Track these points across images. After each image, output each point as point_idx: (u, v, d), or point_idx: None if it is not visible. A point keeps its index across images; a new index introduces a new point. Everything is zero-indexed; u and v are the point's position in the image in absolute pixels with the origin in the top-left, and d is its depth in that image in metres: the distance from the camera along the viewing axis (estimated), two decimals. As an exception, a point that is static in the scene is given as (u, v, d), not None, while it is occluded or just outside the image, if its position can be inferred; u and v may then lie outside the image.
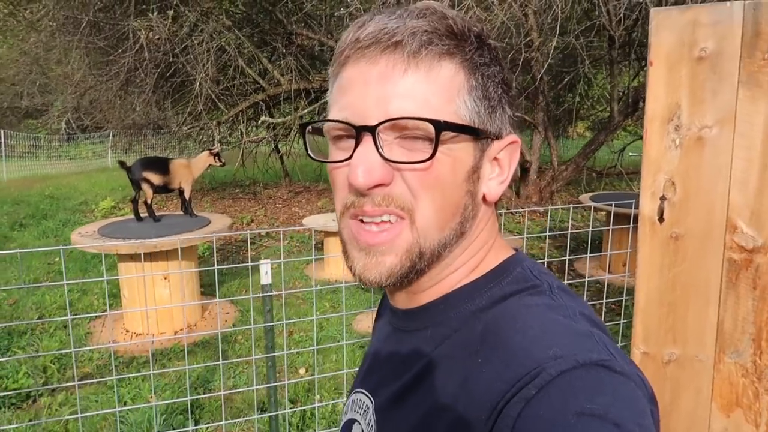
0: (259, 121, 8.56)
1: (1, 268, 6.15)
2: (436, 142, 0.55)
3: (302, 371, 3.83)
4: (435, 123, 0.55)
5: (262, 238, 7.67)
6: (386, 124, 0.55)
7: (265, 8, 8.62)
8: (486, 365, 0.53)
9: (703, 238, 1.53)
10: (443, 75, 0.57)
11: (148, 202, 4.71)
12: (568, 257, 3.03)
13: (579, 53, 7.15)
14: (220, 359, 2.55)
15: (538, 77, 8.19)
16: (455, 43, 0.58)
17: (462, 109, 0.58)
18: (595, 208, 6.64)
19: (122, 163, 4.72)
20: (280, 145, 11.13)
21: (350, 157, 0.57)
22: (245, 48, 7.89)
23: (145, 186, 4.65)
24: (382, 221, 0.58)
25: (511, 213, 8.52)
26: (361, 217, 0.59)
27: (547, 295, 0.59)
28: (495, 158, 0.63)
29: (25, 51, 8.71)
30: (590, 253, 6.17)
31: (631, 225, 2.43)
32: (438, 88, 0.57)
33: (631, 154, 11.16)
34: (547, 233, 3.17)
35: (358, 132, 0.56)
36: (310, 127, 0.66)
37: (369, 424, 0.67)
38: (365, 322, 4.61)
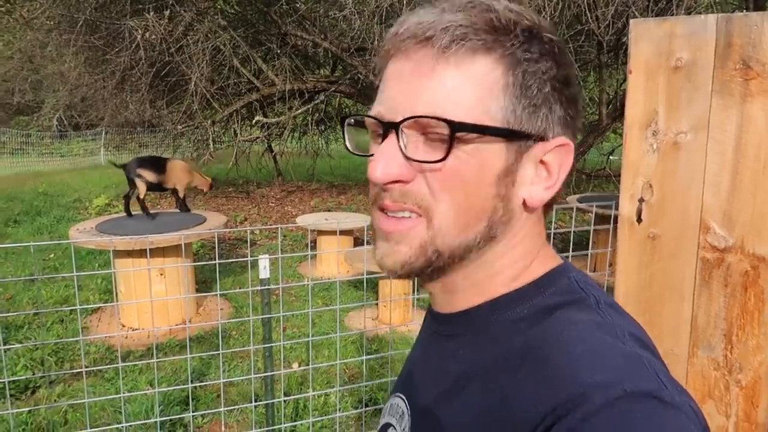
0: (253, 121, 8.62)
1: (-4, 264, 6.19)
2: (450, 143, 0.53)
3: (295, 366, 3.91)
4: (449, 123, 0.53)
5: (256, 236, 7.74)
6: (410, 122, 0.55)
7: (260, 9, 8.68)
8: (526, 383, 0.51)
9: (679, 238, 1.61)
10: (475, 71, 0.54)
11: (141, 197, 4.78)
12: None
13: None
14: (221, 348, 2.62)
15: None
16: (494, 37, 0.55)
17: (493, 107, 0.54)
18: (581, 209, 6.76)
19: (115, 164, 4.83)
20: (273, 145, 11.19)
21: None
22: (240, 48, 7.95)
23: (139, 182, 4.74)
24: (403, 216, 0.58)
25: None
26: (385, 210, 0.59)
27: (595, 311, 0.55)
28: (541, 161, 0.58)
29: (20, 49, 8.71)
30: (573, 252, 6.28)
31: (611, 225, 2.52)
32: (468, 84, 0.54)
33: (612, 157, 11.36)
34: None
35: (386, 128, 0.56)
36: (351, 119, 0.65)
37: (404, 429, 0.66)
38: (356, 319, 4.70)
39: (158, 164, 4.91)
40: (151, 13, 6.50)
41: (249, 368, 3.76)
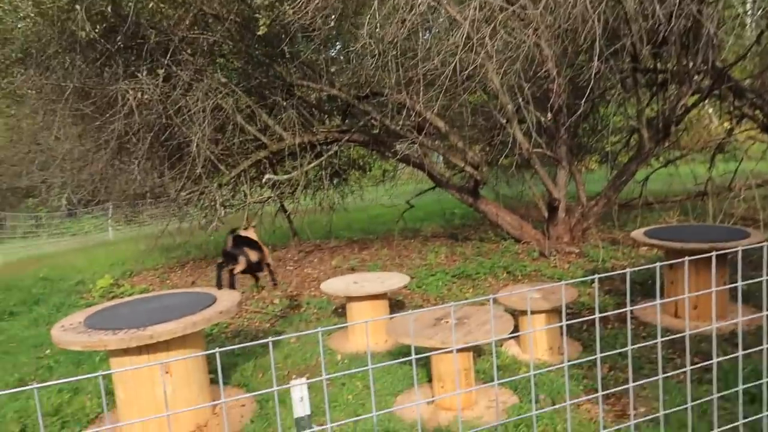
0: (263, 180, 7.97)
1: (-17, 368, 5.41)
2: None
3: (342, 483, 3.05)
4: None
5: (276, 306, 6.94)
6: None
7: (261, 62, 8.17)
8: None
9: None
10: None
11: (236, 272, 4.74)
12: (629, 305, 2.31)
13: (592, 82, 6.55)
14: None
15: (556, 108, 7.65)
16: None
17: None
18: (647, 244, 5.92)
19: (233, 231, 5.06)
20: (286, 204, 10.52)
21: None
22: (243, 104, 7.37)
23: (242, 259, 4.80)
24: None
25: (545, 256, 7.82)
26: None
27: None
28: None
29: (12, 127, 8.24)
30: (654, 295, 5.41)
31: (684, 260, 1.75)
32: None
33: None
34: (595, 277, 2.46)
35: None
36: None
37: None
38: (408, 404, 3.83)
39: (254, 243, 5.03)
40: (144, 74, 5.93)
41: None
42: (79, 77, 6.09)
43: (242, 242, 4.98)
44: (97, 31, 5.24)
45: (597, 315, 1.39)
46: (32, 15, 4.93)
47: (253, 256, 4.91)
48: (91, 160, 7.58)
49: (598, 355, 1.36)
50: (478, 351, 4.69)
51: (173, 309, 3.86)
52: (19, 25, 5.30)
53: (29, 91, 6.24)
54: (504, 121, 7.25)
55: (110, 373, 3.52)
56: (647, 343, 2.65)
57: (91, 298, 8.01)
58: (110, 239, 16.50)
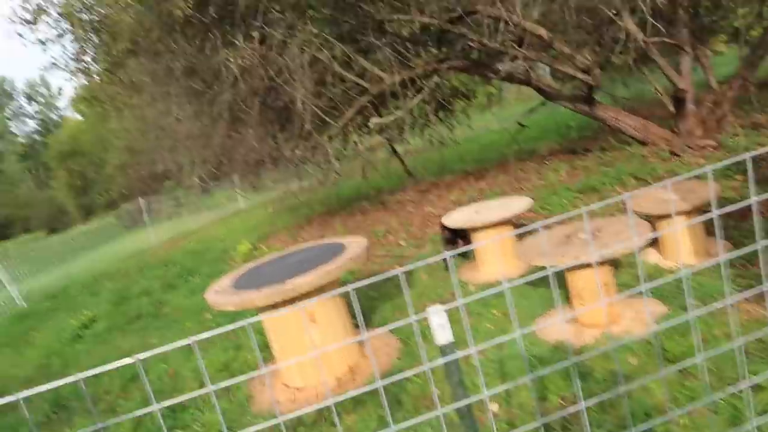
0: (370, 125, 7.99)
1: (158, 335, 6.11)
2: None
3: (495, 408, 3.09)
4: None
5: (402, 248, 7.07)
6: None
7: (349, 4, 8.04)
8: None
9: None
10: None
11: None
12: None
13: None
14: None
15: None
16: None
17: None
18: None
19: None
20: (396, 146, 10.54)
21: None
22: (338, 52, 7.36)
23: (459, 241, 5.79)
24: None
25: (676, 155, 7.18)
26: None
27: None
28: None
29: (138, 117, 8.93)
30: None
31: None
32: None
33: None
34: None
35: None
36: None
37: None
38: (550, 328, 3.76)
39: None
40: (241, 40, 6.09)
41: (438, 421, 3.01)
42: (183, 56, 6.42)
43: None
44: (190, 6, 5.46)
45: (753, 198, 1.21)
46: (132, 2, 5.21)
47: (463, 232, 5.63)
48: (210, 134, 8.04)
49: (760, 243, 1.19)
50: (614, 264, 4.47)
51: (308, 262, 4.05)
52: (123, 17, 5.65)
53: (144, 78, 6.69)
54: (612, 13, 6.60)
55: (257, 320, 3.82)
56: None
57: (234, 263, 8.68)
58: (242, 208, 17.67)
